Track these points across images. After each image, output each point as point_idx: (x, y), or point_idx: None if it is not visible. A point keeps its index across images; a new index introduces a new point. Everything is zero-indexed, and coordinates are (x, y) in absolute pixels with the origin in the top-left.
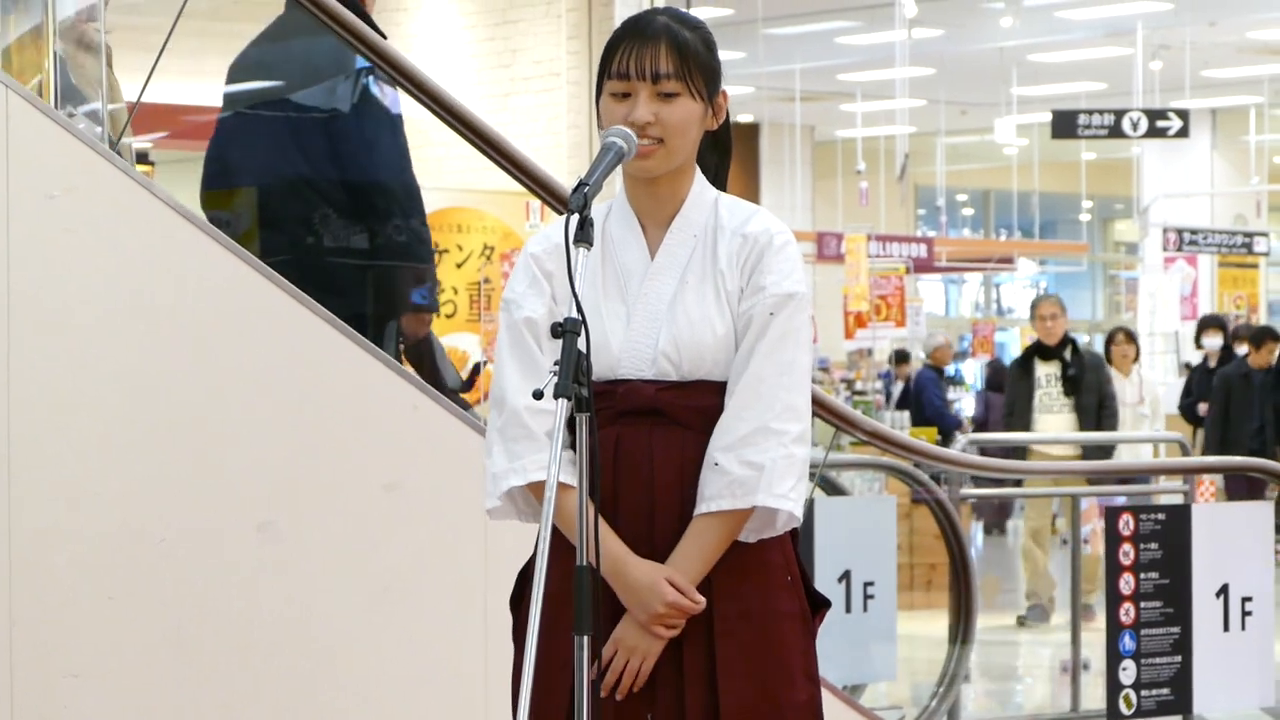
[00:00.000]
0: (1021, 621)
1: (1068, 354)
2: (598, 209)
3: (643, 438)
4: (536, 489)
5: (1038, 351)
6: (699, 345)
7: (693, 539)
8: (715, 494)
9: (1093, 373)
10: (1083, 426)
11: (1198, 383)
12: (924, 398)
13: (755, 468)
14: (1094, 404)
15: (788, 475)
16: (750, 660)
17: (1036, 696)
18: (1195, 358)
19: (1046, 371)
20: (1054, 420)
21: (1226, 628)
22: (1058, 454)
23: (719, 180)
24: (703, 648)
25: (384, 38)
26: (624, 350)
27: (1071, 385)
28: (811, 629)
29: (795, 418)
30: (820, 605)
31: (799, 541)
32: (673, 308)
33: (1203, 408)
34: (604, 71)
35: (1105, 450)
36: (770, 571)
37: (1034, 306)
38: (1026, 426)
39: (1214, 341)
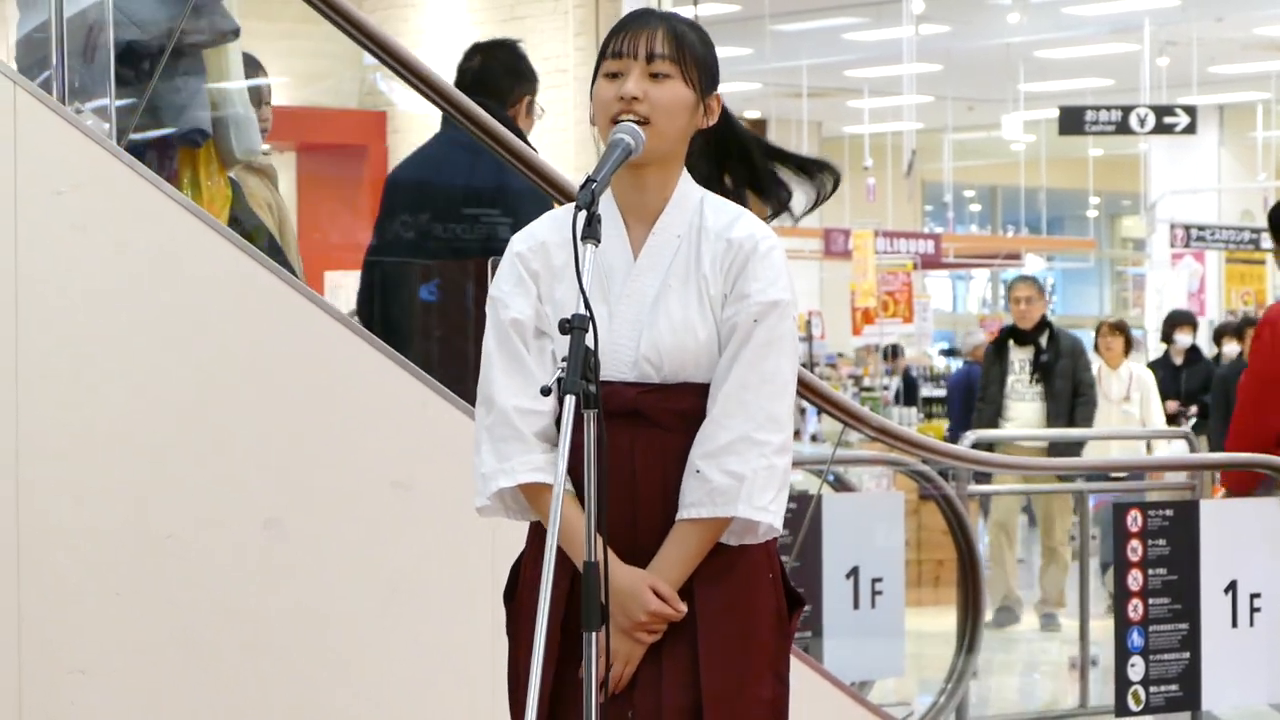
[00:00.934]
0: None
1: (1043, 339)
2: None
3: (624, 440)
4: (526, 489)
5: (1013, 335)
6: (681, 350)
7: (674, 545)
8: (696, 501)
9: (1069, 359)
10: (1053, 415)
11: (1161, 381)
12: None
13: (736, 478)
14: (1068, 391)
15: (768, 487)
16: (729, 653)
17: (1045, 692)
18: (1176, 356)
19: (1020, 357)
20: (1024, 408)
21: (1235, 624)
22: (1025, 448)
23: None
24: (683, 646)
25: (534, 150)
26: (605, 351)
27: (1043, 372)
28: (787, 629)
29: (777, 428)
30: (796, 604)
31: (796, 535)
32: (655, 310)
33: (1171, 405)
34: (601, 57)
35: (1075, 444)
36: (753, 567)
37: (1009, 289)
38: (997, 412)
39: (1185, 339)
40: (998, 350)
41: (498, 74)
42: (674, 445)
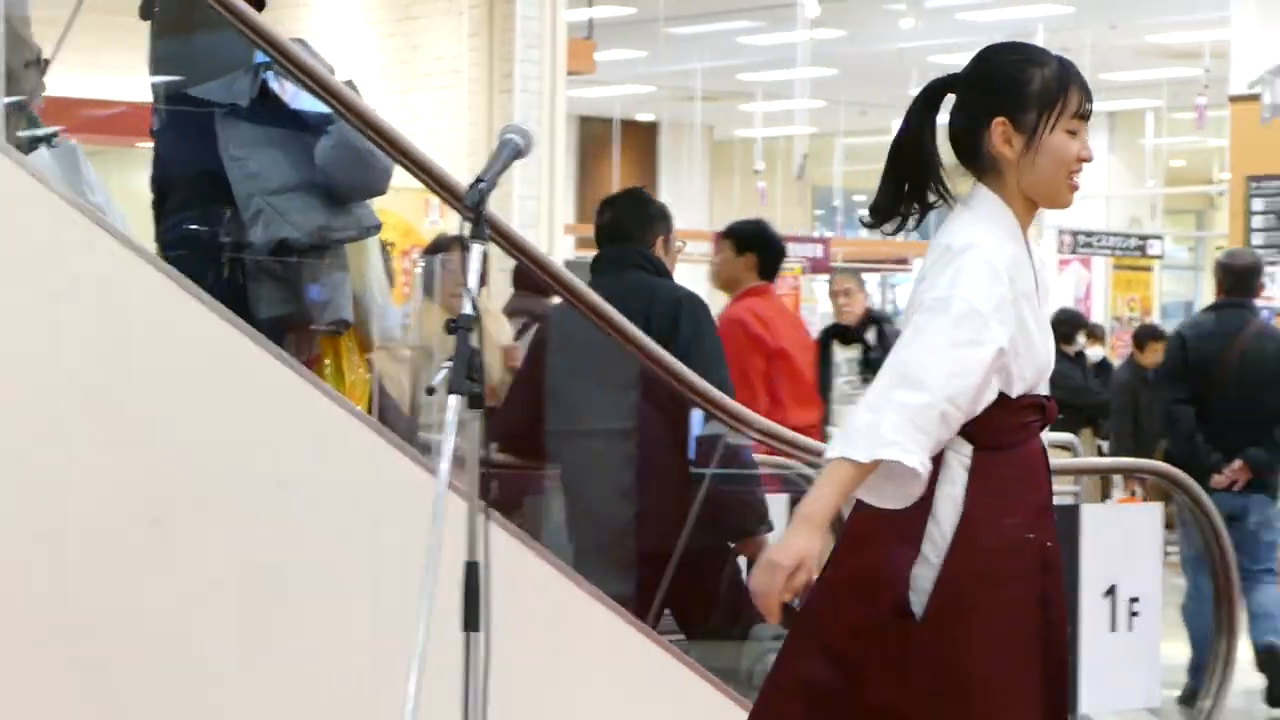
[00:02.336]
0: None
1: (871, 336)
2: (995, 227)
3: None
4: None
5: (837, 334)
6: None
7: None
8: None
9: None
10: None
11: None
12: None
13: None
14: None
15: None
16: None
17: None
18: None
19: (847, 356)
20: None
21: (1114, 628)
22: None
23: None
24: None
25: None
26: (1045, 369)
27: (873, 371)
28: None
29: None
30: None
31: None
32: (1047, 327)
33: None
34: (1055, 108)
35: None
36: None
37: (830, 283)
38: (825, 420)
39: (1095, 352)
40: (820, 353)
41: (628, 222)
42: None
